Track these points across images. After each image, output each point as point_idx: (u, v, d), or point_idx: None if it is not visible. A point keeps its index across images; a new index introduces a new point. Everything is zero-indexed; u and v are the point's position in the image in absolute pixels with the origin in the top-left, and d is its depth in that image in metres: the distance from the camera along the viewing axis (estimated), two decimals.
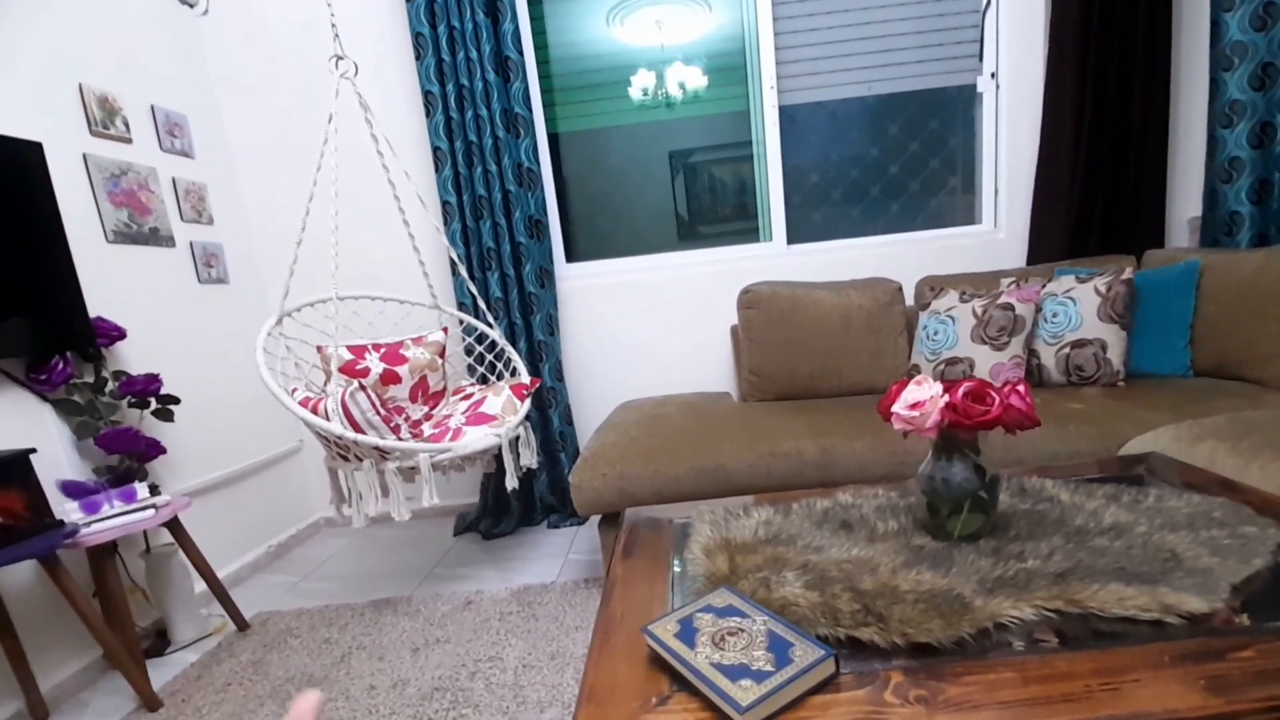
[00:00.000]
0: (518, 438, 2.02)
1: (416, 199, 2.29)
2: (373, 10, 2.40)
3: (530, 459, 2.09)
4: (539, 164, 2.41)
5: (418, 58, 2.30)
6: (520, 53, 2.31)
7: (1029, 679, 0.63)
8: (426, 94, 2.32)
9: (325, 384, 2.03)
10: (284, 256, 2.53)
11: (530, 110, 2.36)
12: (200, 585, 2.02)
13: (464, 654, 1.65)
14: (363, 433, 1.71)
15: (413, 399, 2.17)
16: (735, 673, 0.64)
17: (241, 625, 1.92)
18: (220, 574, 2.03)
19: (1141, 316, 1.95)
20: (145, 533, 1.90)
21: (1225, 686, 0.59)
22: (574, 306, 2.61)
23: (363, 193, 2.47)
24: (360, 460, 1.75)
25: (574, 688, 1.45)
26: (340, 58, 1.88)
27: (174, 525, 1.80)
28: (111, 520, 1.63)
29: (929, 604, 0.74)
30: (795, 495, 1.20)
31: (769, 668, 0.64)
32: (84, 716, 1.59)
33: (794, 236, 2.63)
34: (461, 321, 2.40)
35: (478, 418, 1.96)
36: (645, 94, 2.60)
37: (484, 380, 2.41)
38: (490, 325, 2.33)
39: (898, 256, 2.51)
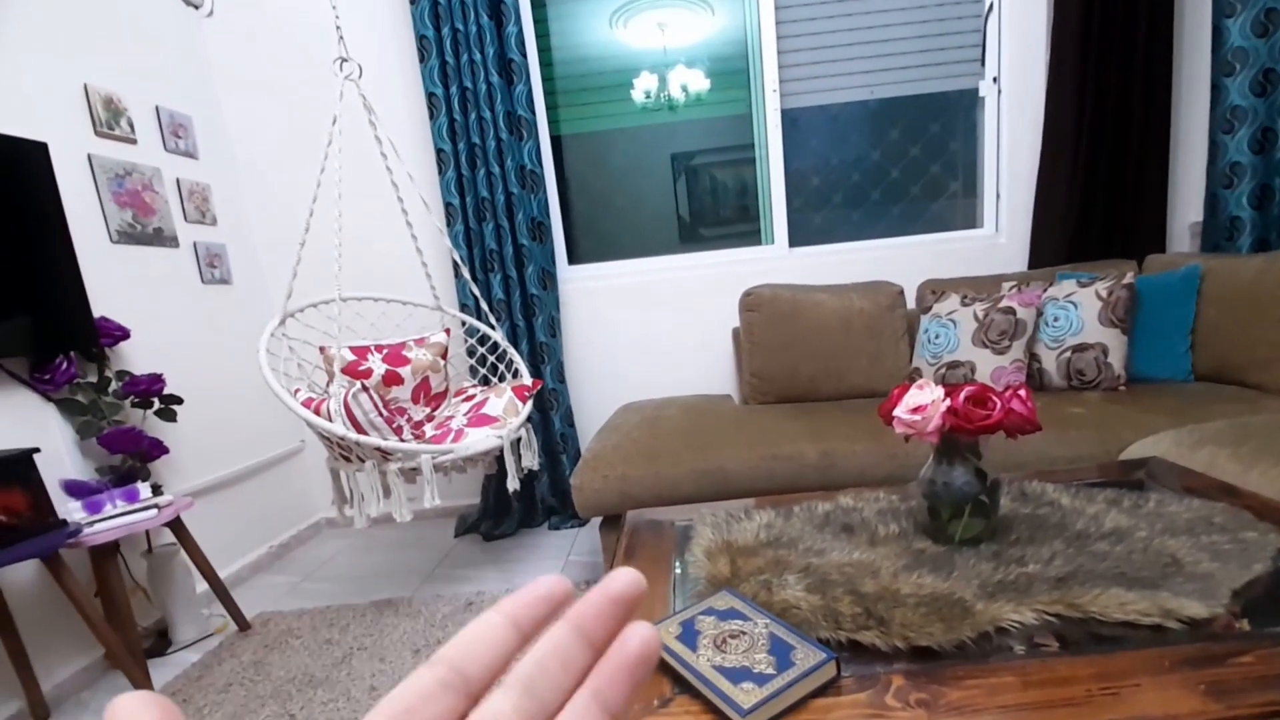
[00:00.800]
0: (519, 439, 2.02)
1: (420, 201, 2.29)
2: (377, 12, 2.41)
3: (532, 460, 2.10)
4: (542, 166, 2.42)
5: (422, 60, 2.31)
6: (524, 55, 2.31)
7: (1029, 683, 0.64)
8: (430, 96, 2.33)
9: (328, 385, 2.04)
10: (287, 257, 2.53)
11: (533, 113, 2.36)
12: (202, 585, 2.02)
13: None
14: (365, 434, 1.71)
15: (415, 400, 2.17)
16: (737, 675, 0.64)
17: (243, 625, 1.93)
18: (222, 574, 2.03)
19: (1142, 321, 1.95)
20: (147, 532, 1.90)
21: (1225, 692, 0.59)
22: (576, 308, 2.61)
23: (366, 194, 2.48)
24: (362, 461, 1.75)
25: None
26: (344, 60, 1.89)
27: (176, 525, 1.81)
28: (114, 520, 1.63)
29: (930, 608, 0.74)
30: (796, 498, 1.20)
31: (770, 670, 0.65)
32: (85, 716, 1.60)
33: (795, 239, 2.63)
34: (464, 323, 2.40)
35: (480, 419, 1.96)
36: (648, 96, 2.61)
37: (486, 382, 2.41)
38: (492, 327, 2.34)
39: (899, 260, 2.52)
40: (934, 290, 2.24)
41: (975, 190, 2.63)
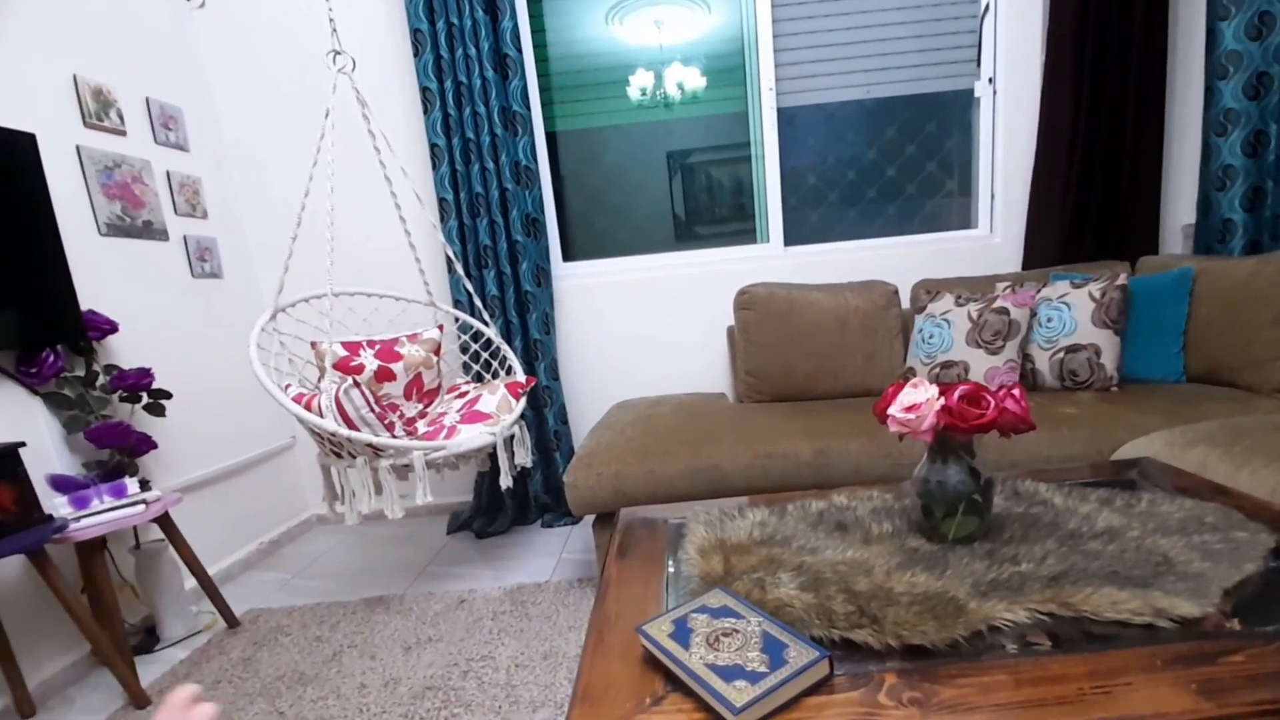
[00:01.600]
0: (513, 436, 2.01)
1: (413, 196, 2.28)
2: (371, 5, 2.38)
3: (525, 458, 2.09)
4: (536, 162, 2.41)
5: (416, 54, 2.29)
6: (519, 50, 2.30)
7: (1022, 681, 0.64)
8: (424, 90, 2.32)
9: (319, 380, 2.02)
10: (279, 251, 2.51)
11: (528, 108, 2.35)
12: (190, 582, 2.00)
13: (456, 653, 1.64)
14: (357, 430, 1.70)
15: (407, 396, 2.16)
16: (730, 674, 0.64)
17: (232, 622, 1.91)
18: (211, 570, 2.02)
19: (1135, 322, 1.96)
20: (135, 528, 1.88)
21: (1216, 690, 0.59)
22: (570, 305, 2.60)
23: (359, 189, 2.46)
24: (354, 457, 1.74)
25: (566, 688, 1.45)
26: (338, 53, 1.88)
27: (164, 521, 1.79)
28: (101, 515, 1.62)
29: (923, 606, 0.74)
30: (790, 496, 1.20)
31: (763, 669, 0.64)
32: (71, 713, 1.58)
33: (791, 238, 2.63)
34: (457, 319, 2.39)
35: (472, 416, 1.95)
36: (644, 94, 2.60)
37: (479, 378, 2.40)
38: (486, 323, 2.32)
39: (894, 259, 2.52)
40: (929, 290, 2.24)
41: (970, 190, 2.63)
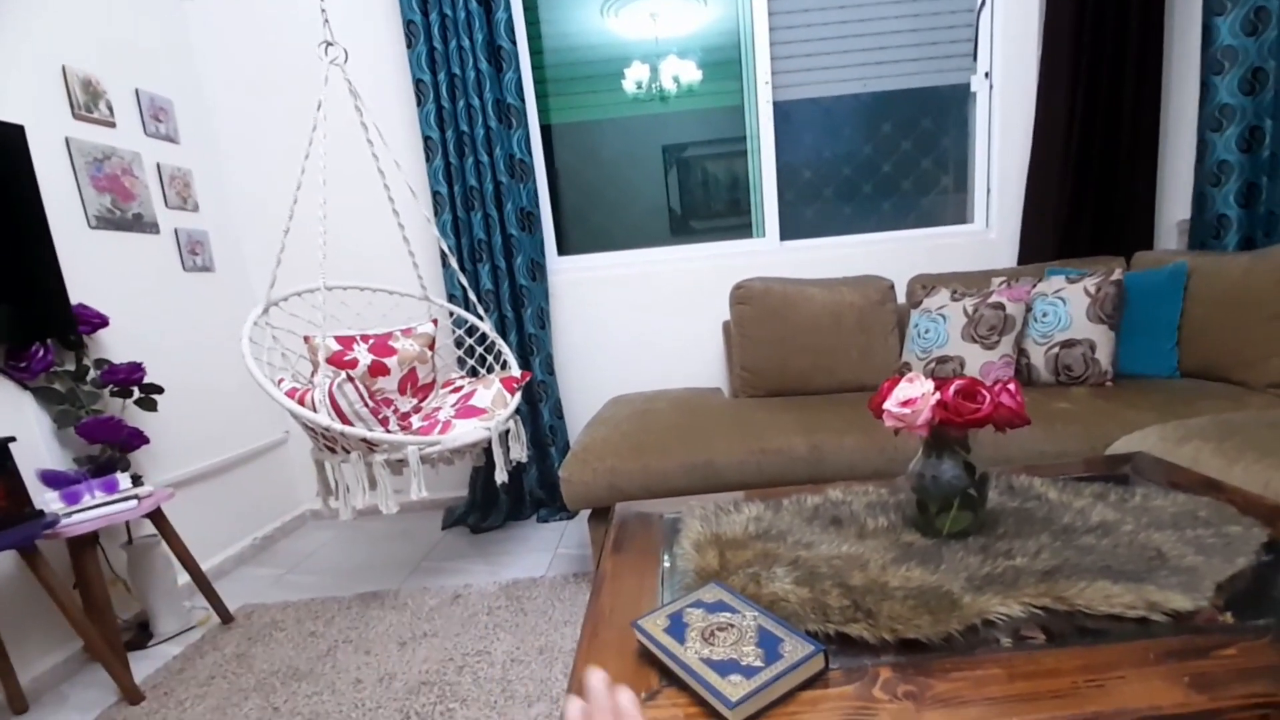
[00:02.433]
0: (507, 431, 2.01)
1: (407, 189, 2.26)
2: None
3: (520, 453, 2.08)
4: (531, 155, 2.39)
5: (409, 45, 2.27)
6: (513, 42, 2.28)
7: (1016, 675, 0.64)
8: (418, 82, 2.30)
9: (312, 375, 2.01)
10: (271, 245, 2.49)
11: (523, 101, 2.34)
12: (183, 577, 1.99)
13: (451, 648, 1.64)
14: (350, 424, 1.69)
15: (401, 391, 2.15)
16: (725, 668, 0.64)
17: (225, 618, 1.90)
18: (204, 566, 2.00)
19: (1130, 317, 1.96)
20: (127, 524, 1.87)
21: (1209, 684, 0.60)
22: (565, 300, 2.59)
23: (352, 181, 2.44)
24: (347, 452, 1.73)
25: (562, 682, 1.45)
26: (330, 44, 1.86)
27: (157, 516, 1.78)
28: (93, 511, 1.60)
29: (918, 600, 0.74)
30: (786, 491, 1.20)
31: (758, 663, 0.64)
32: (64, 709, 1.57)
33: (786, 233, 2.63)
34: (451, 313, 2.38)
35: (467, 410, 1.94)
36: (639, 87, 2.59)
37: (474, 373, 2.40)
38: (480, 318, 2.31)
39: (889, 254, 2.52)
40: (924, 285, 2.24)
41: (966, 185, 2.63)
